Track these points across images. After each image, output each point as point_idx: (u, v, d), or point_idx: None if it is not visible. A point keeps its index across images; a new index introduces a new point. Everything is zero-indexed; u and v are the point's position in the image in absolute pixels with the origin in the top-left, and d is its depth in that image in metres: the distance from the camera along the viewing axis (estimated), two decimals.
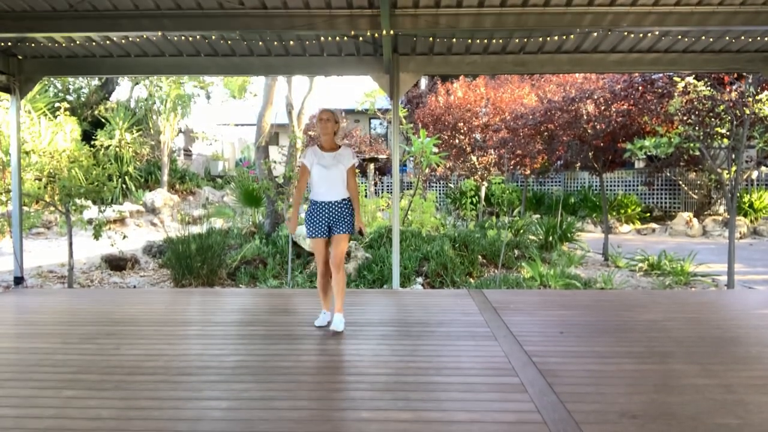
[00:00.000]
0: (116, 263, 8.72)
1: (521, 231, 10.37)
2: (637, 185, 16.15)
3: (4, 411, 3.08)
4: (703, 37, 6.28)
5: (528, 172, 13.41)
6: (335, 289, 4.58)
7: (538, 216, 13.58)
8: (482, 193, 14.03)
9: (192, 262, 7.62)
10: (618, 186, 16.50)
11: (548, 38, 6.25)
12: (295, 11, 5.64)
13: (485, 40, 6.33)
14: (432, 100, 14.17)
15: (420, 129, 11.79)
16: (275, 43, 6.47)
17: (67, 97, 17.40)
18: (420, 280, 7.76)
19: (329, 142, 4.63)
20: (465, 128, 13.08)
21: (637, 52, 6.67)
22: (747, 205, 14.27)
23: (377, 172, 19.28)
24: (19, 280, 6.81)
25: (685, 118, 8.07)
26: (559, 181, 17.27)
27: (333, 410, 3.08)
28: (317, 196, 4.59)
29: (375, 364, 3.82)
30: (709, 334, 4.56)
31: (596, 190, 15.92)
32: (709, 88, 7.73)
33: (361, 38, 6.20)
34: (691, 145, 8.08)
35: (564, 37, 6.21)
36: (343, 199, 4.58)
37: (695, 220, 13.89)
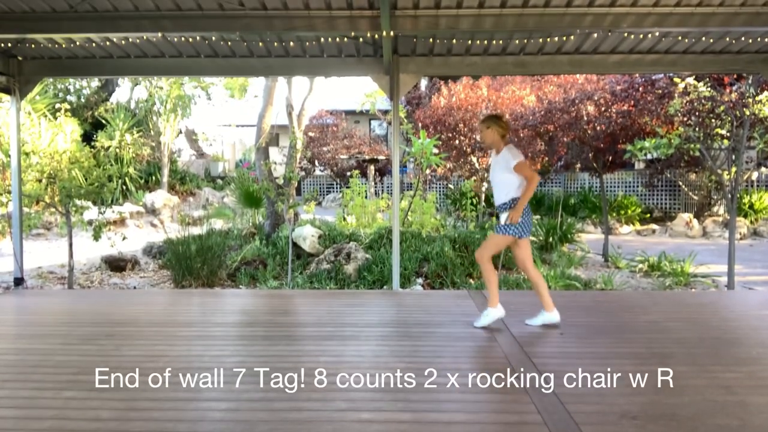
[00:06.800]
0: (116, 264, 8.72)
1: None
2: (638, 186, 16.13)
3: (4, 412, 3.08)
4: (704, 38, 6.28)
5: None
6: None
7: (538, 217, 13.54)
8: (482, 194, 14.01)
9: (192, 263, 7.62)
10: (618, 187, 16.48)
11: (548, 39, 6.25)
12: (295, 12, 5.64)
13: (485, 41, 6.33)
14: (435, 99, 14.16)
15: (420, 130, 11.79)
16: (275, 44, 6.48)
17: (68, 98, 17.39)
18: (420, 281, 7.76)
19: (492, 147, 4.74)
20: (465, 129, 13.07)
21: (638, 53, 6.67)
22: (747, 206, 14.26)
23: (377, 173, 19.29)
24: (19, 281, 6.81)
25: (685, 119, 8.07)
26: (559, 182, 17.25)
27: (333, 411, 3.07)
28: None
29: (375, 364, 3.82)
30: (709, 335, 4.56)
31: (596, 191, 15.90)
32: (709, 89, 7.73)
33: (361, 39, 6.20)
34: (692, 146, 8.08)
35: (564, 38, 6.21)
36: (502, 204, 4.63)
37: (695, 221, 13.88)
